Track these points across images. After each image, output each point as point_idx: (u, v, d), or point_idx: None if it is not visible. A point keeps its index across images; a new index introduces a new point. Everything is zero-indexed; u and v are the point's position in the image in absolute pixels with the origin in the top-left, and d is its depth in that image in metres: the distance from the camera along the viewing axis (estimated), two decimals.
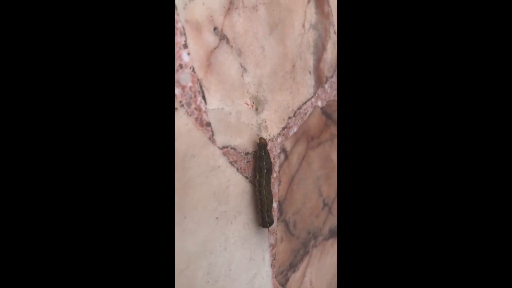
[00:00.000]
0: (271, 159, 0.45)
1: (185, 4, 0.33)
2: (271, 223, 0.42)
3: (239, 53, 0.39)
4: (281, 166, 0.48)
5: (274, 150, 0.46)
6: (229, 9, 0.38)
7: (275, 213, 0.47)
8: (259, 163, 0.40)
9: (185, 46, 0.33)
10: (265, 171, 0.40)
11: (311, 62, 0.54)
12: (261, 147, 0.41)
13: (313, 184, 0.56)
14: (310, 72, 0.53)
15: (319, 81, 0.56)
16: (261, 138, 0.41)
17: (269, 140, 0.45)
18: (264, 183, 0.41)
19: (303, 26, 0.51)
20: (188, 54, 0.33)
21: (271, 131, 0.45)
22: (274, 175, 0.46)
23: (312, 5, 0.53)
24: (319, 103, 0.57)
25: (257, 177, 0.41)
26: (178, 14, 0.32)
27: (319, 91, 0.56)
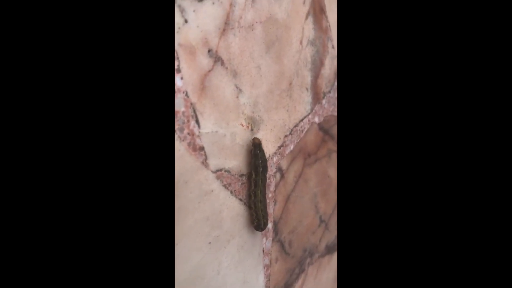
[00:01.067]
0: (268, 179, 0.45)
1: (179, 28, 0.32)
2: (266, 224, 0.42)
3: (235, 74, 0.39)
4: (276, 185, 0.47)
5: (269, 170, 0.45)
6: (224, 30, 0.37)
7: (270, 234, 0.46)
8: (254, 161, 0.40)
9: (178, 70, 0.32)
10: (261, 169, 0.40)
11: (308, 78, 0.53)
12: (255, 146, 0.40)
13: (310, 201, 0.55)
14: (307, 89, 0.53)
15: (316, 97, 0.55)
16: (254, 138, 0.40)
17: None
18: (260, 182, 0.40)
19: (301, 42, 0.51)
20: (181, 78, 0.32)
21: (267, 151, 0.44)
22: (270, 195, 0.46)
23: (310, 20, 0.53)
24: (316, 119, 0.56)
25: (253, 176, 0.40)
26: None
27: (316, 107, 0.56)
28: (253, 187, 0.40)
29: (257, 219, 0.41)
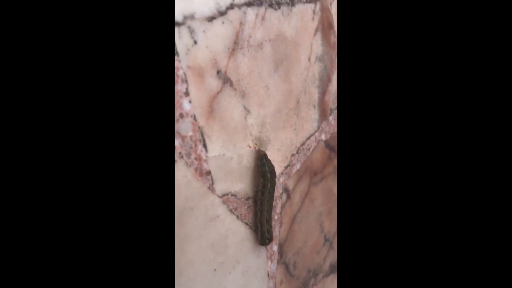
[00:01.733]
0: (274, 200, 0.43)
1: (188, 50, 0.31)
2: (270, 239, 0.40)
3: (243, 95, 0.37)
4: (283, 207, 0.46)
5: (276, 191, 0.44)
6: (233, 50, 0.36)
7: (275, 257, 0.45)
8: (261, 169, 0.39)
9: (187, 93, 0.31)
10: (269, 174, 0.39)
11: (315, 95, 0.52)
12: (260, 157, 0.39)
13: (315, 220, 0.54)
14: (314, 106, 0.52)
15: (323, 114, 0.54)
16: (259, 150, 0.39)
17: None
18: (269, 185, 0.39)
19: (309, 59, 0.50)
20: (190, 102, 0.31)
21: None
22: (276, 217, 0.44)
23: (318, 36, 0.52)
24: (323, 137, 0.55)
25: (262, 180, 0.39)
26: (179, 61, 0.30)
27: (323, 124, 0.54)
28: (260, 195, 0.39)
29: (261, 231, 0.40)
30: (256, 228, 0.40)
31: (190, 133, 0.32)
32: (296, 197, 0.49)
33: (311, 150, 0.51)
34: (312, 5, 0.50)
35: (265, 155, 0.39)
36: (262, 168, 0.39)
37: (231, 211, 0.37)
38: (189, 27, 0.31)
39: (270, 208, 0.40)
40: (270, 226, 0.40)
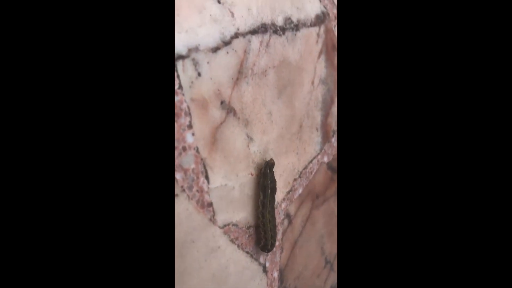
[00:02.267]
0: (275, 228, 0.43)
1: (191, 82, 0.31)
2: (273, 246, 0.40)
3: (246, 123, 0.37)
4: (284, 233, 0.45)
5: (277, 217, 0.44)
6: (237, 79, 0.36)
7: (275, 283, 0.45)
8: (263, 181, 0.38)
9: (190, 126, 0.31)
10: (269, 191, 0.38)
11: (318, 118, 0.52)
12: (268, 165, 0.38)
13: (316, 243, 0.54)
14: (317, 129, 0.51)
15: (326, 137, 0.54)
16: (271, 159, 0.39)
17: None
18: (268, 204, 0.38)
19: (312, 83, 0.49)
20: (193, 134, 0.31)
21: (276, 198, 0.43)
22: (277, 243, 0.44)
23: (322, 59, 0.52)
24: (325, 159, 0.54)
25: (261, 197, 0.38)
26: (183, 94, 0.30)
27: (326, 147, 0.54)
28: (260, 209, 0.38)
29: (264, 238, 0.39)
30: (258, 234, 0.40)
31: (193, 166, 0.31)
32: (298, 222, 0.48)
33: (313, 173, 0.51)
34: (316, 28, 0.50)
35: (272, 165, 0.38)
36: (264, 180, 0.38)
37: (232, 241, 0.37)
38: (193, 59, 0.31)
39: (274, 227, 0.39)
40: (275, 233, 0.40)
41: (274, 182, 0.39)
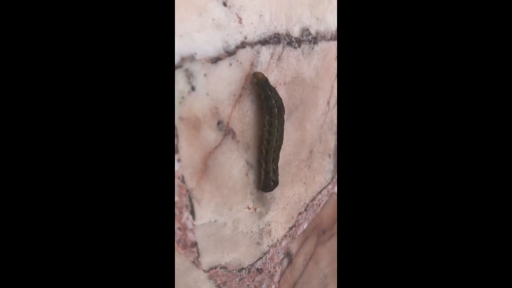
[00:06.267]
0: (272, 268, 0.37)
1: (182, 98, 0.25)
2: (276, 183, 0.33)
3: (247, 148, 0.32)
4: (282, 274, 0.39)
5: (275, 258, 0.38)
6: (240, 96, 0.30)
7: None
8: (267, 103, 0.31)
9: (176, 150, 0.25)
10: (276, 110, 0.31)
11: (332, 143, 0.46)
12: (263, 86, 0.31)
13: (318, 285, 0.47)
14: (329, 155, 0.46)
15: None
16: (256, 74, 0.31)
17: (272, 246, 0.37)
18: (276, 122, 0.32)
19: (328, 103, 0.44)
20: (179, 161, 0.26)
21: (275, 235, 0.37)
22: (273, 286, 0.38)
23: None
24: (336, 189, 0.48)
25: (267, 118, 0.32)
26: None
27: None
28: (267, 127, 0.32)
29: (265, 171, 0.32)
30: (259, 170, 0.33)
31: (176, 199, 0.26)
32: (299, 261, 0.42)
33: (321, 205, 0.45)
34: (336, 43, 0.44)
35: (266, 81, 0.31)
36: (267, 102, 0.31)
37: (218, 286, 0.31)
38: (186, 70, 0.25)
39: (278, 149, 0.33)
40: (277, 166, 0.33)
41: (279, 100, 0.32)
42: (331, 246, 0.49)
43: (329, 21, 0.42)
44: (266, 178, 0.33)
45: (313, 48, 0.39)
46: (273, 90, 0.32)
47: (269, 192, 0.35)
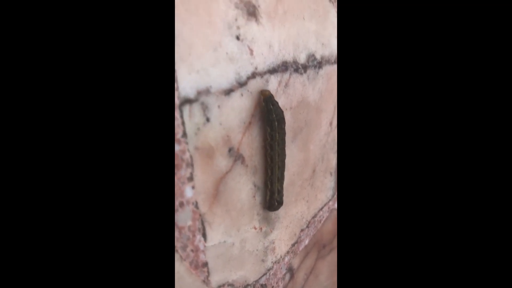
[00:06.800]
0: (275, 283, 0.39)
1: (198, 129, 0.27)
2: (280, 203, 0.35)
3: (255, 171, 0.33)
4: None
5: (278, 273, 0.39)
6: (250, 123, 0.32)
7: None
8: (268, 117, 0.33)
9: (190, 179, 0.27)
10: (276, 124, 0.33)
11: (333, 161, 0.48)
12: (267, 100, 0.33)
13: None
14: (331, 173, 0.47)
15: None
16: (263, 91, 0.33)
17: (275, 262, 0.39)
18: (277, 136, 0.34)
19: (331, 124, 0.46)
20: (193, 187, 0.27)
21: (279, 252, 0.39)
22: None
23: None
24: (337, 205, 0.50)
25: (269, 131, 0.33)
26: (187, 143, 0.26)
27: None
28: (269, 140, 0.34)
29: (270, 192, 0.34)
30: (265, 191, 0.35)
31: (189, 223, 0.27)
32: (300, 276, 0.44)
33: (322, 221, 0.47)
34: None
35: (270, 97, 0.33)
36: (269, 115, 0.33)
37: None
38: (202, 103, 0.27)
39: (282, 165, 0.35)
40: (282, 186, 0.35)
41: (280, 113, 0.34)
42: (331, 260, 0.50)
43: (333, 45, 0.44)
44: (271, 198, 0.35)
45: (317, 73, 0.41)
46: (275, 104, 0.33)
47: (274, 213, 0.37)
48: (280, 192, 0.35)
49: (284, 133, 0.34)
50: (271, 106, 0.33)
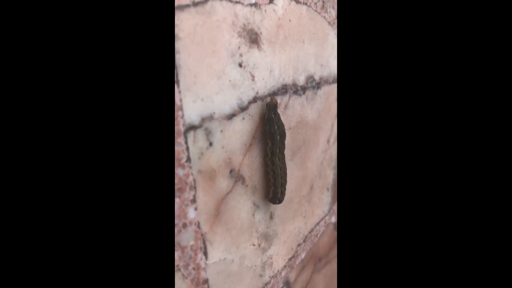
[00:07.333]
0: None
1: (201, 153, 0.29)
2: (281, 200, 0.36)
3: (254, 190, 0.35)
4: None
5: (275, 287, 0.41)
6: (250, 145, 0.33)
7: None
8: (269, 128, 0.34)
9: (193, 201, 0.28)
10: (278, 137, 0.34)
11: (330, 177, 0.49)
12: (270, 108, 0.33)
13: None
14: (328, 189, 0.49)
15: (336, 196, 0.51)
16: (272, 99, 0.34)
17: (273, 276, 0.40)
18: (277, 150, 0.34)
19: (328, 141, 0.47)
20: (196, 209, 0.29)
21: (276, 266, 0.40)
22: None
23: None
24: (333, 219, 0.52)
25: (269, 145, 0.34)
26: (191, 167, 0.28)
27: (334, 206, 0.52)
28: (269, 156, 0.35)
29: (274, 186, 0.35)
30: (267, 187, 0.36)
31: (192, 243, 0.29)
32: None
33: (318, 235, 0.48)
34: (337, 84, 0.48)
35: (274, 106, 0.33)
36: (270, 127, 0.33)
37: None
38: (206, 129, 0.29)
39: (285, 175, 0.36)
40: (285, 188, 0.36)
41: (282, 126, 0.34)
42: (326, 273, 0.52)
43: (332, 65, 0.45)
44: (274, 195, 0.36)
45: (316, 93, 0.43)
46: (277, 114, 0.34)
47: (272, 229, 0.39)
48: (283, 193, 0.36)
49: (284, 148, 0.36)
50: (273, 115, 0.34)
